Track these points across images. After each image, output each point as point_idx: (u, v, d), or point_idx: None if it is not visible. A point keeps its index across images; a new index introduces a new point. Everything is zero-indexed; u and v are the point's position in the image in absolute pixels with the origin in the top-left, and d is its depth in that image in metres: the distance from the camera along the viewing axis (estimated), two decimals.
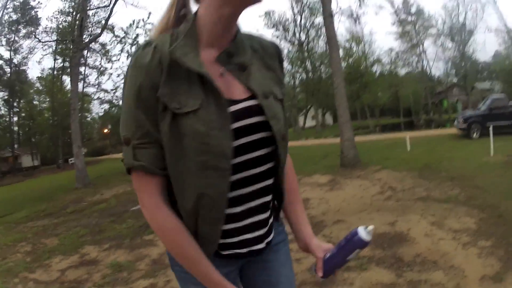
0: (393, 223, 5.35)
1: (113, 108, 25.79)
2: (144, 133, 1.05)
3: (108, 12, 19.66)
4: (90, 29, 21.45)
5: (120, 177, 16.78)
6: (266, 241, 1.27)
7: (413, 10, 49.04)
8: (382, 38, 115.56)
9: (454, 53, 47.52)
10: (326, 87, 39.34)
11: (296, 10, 40.49)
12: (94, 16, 21.41)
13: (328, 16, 12.13)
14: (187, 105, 1.02)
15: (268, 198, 1.23)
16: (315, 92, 42.49)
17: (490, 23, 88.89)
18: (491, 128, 12.37)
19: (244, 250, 1.22)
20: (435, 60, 51.31)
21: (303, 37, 42.57)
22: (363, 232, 1.23)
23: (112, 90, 22.86)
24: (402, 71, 50.91)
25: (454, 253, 4.16)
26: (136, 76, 1.03)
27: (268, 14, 42.06)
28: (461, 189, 7.10)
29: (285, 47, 42.95)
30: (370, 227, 1.24)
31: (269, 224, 1.28)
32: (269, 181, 1.21)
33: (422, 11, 48.93)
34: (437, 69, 56.76)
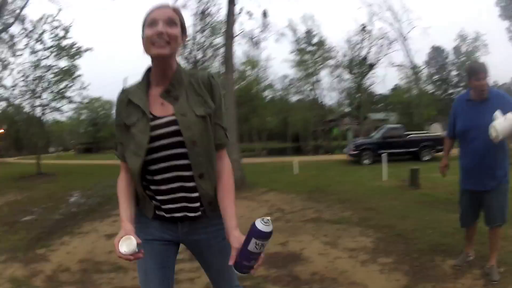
0: (285, 244, 5.33)
1: (10, 107, 23.67)
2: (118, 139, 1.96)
3: (25, 1, 18.66)
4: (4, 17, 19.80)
5: (12, 184, 16.30)
6: (186, 213, 1.90)
7: (315, 40, 51.81)
8: (279, 64, 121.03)
9: (350, 84, 50.91)
10: None
11: (198, 28, 40.73)
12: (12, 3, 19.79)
13: (229, 38, 12.90)
14: (131, 121, 1.87)
15: (185, 184, 1.86)
16: None
17: (395, 58, 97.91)
18: (384, 155, 13.27)
19: (167, 215, 1.91)
20: (329, 89, 54.34)
21: (199, 55, 42.91)
22: (259, 223, 1.56)
23: (11, 87, 20.85)
24: (294, 98, 53.14)
25: (353, 270, 4.23)
26: (116, 108, 1.98)
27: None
28: (354, 211, 7.38)
29: (181, 63, 42.87)
30: (266, 218, 1.56)
31: (192, 201, 1.89)
32: (186, 172, 1.85)
33: (323, 42, 51.69)
34: (330, 98, 60.43)
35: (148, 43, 1.78)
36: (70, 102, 21.81)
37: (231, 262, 1.66)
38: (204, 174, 1.86)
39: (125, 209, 1.85)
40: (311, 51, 51.09)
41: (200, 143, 1.83)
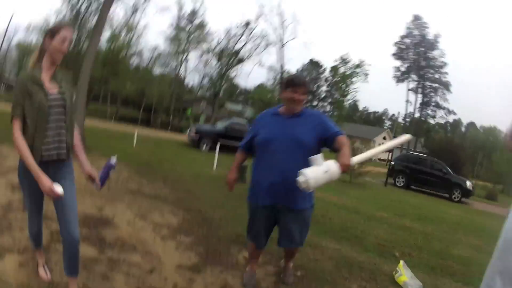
0: (101, 208, 5.64)
1: None
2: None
3: None
4: None
5: None
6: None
7: (196, 21, 51.36)
8: (154, 35, 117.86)
9: (214, 71, 51.95)
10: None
11: None
12: None
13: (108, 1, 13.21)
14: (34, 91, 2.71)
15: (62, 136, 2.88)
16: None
17: (268, 59, 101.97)
18: (218, 145, 14.05)
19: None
20: (194, 71, 54.46)
21: (83, 8, 40.26)
22: (113, 159, 3.20)
23: None
24: (157, 71, 52.25)
25: (152, 242, 4.71)
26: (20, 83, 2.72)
27: None
28: (172, 190, 7.96)
29: (66, 14, 40.07)
30: (114, 156, 3.23)
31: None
32: (62, 125, 2.86)
33: (204, 25, 51.68)
34: (192, 79, 60.59)
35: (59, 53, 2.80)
36: None
37: (99, 185, 3.17)
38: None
39: (33, 160, 2.68)
40: (188, 30, 50.89)
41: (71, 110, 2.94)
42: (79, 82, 12.73)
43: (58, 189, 2.66)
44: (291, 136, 3.52)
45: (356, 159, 3.40)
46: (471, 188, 21.14)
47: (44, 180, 2.62)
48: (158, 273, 3.89)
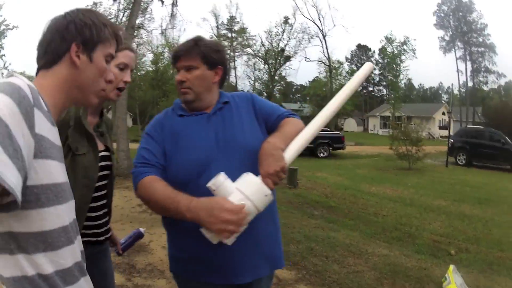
0: None
1: None
2: None
3: None
4: None
5: None
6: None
7: (236, 28, 52.46)
8: None
9: (265, 74, 52.95)
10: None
11: (121, 7, 39.46)
12: None
13: (130, 28, 12.99)
14: (80, 149, 1.82)
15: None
16: None
17: (314, 53, 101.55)
18: None
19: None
20: (242, 77, 55.41)
21: None
22: (142, 229, 2.80)
23: None
24: None
25: None
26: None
27: (95, 4, 40.57)
28: None
29: None
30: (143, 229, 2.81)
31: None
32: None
33: (244, 30, 52.64)
34: (244, 86, 61.26)
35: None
36: None
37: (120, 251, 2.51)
38: None
39: None
40: (231, 38, 51.53)
41: None
42: (117, 112, 13.18)
43: None
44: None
45: (290, 153, 1.80)
46: None
47: None
48: None
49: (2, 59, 19.28)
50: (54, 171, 1.05)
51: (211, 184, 1.63)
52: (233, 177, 1.67)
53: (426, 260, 5.24)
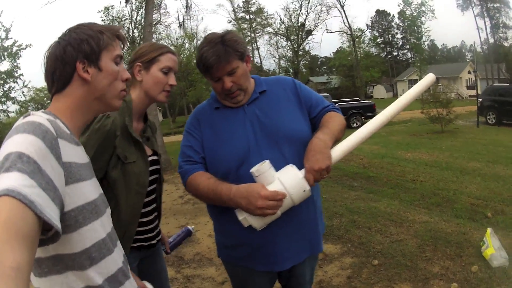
0: (183, 225, 5.65)
1: None
2: None
3: None
4: None
5: None
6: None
7: (253, 9, 52.35)
8: None
9: (288, 51, 52.43)
10: None
11: (134, 7, 39.41)
12: None
13: (148, 26, 12.76)
14: (129, 157, 1.82)
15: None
16: None
17: (334, 24, 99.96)
18: None
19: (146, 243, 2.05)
20: (267, 57, 55.33)
21: (136, 34, 41.89)
22: (191, 227, 2.79)
23: None
24: None
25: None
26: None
27: (107, 9, 40.69)
28: None
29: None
30: (192, 226, 2.82)
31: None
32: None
33: (261, 10, 52.44)
34: (270, 65, 60.65)
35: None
36: (14, 103, 20.50)
37: (168, 250, 2.44)
38: None
39: None
40: (249, 19, 51.58)
41: None
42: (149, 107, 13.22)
43: None
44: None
45: (339, 150, 1.85)
46: None
47: None
48: (228, 284, 3.87)
49: (20, 78, 19.37)
50: (86, 191, 1.11)
51: (254, 170, 1.68)
52: (274, 166, 1.72)
53: (465, 224, 5.22)
